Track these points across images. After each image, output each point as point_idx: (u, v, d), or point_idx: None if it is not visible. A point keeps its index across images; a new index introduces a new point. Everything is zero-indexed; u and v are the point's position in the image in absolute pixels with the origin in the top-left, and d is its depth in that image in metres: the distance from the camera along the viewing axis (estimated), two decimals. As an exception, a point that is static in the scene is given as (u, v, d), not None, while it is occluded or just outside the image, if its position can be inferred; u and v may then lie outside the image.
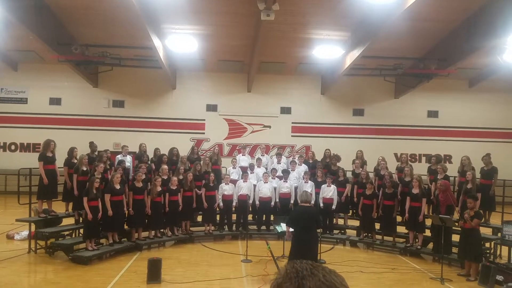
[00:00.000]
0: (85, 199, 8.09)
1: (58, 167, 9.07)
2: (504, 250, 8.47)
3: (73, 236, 9.25)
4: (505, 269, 7.29)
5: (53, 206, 9.20)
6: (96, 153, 10.17)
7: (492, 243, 8.79)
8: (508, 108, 18.37)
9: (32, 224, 8.64)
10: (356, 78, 16.95)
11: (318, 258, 7.86)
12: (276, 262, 8.21)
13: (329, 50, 13.61)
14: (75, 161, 9.15)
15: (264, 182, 10.51)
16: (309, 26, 12.75)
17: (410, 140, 18.16)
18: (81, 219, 9.00)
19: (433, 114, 18.55)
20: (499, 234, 8.57)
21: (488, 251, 8.74)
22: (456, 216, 8.73)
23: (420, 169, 11.99)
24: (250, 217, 10.83)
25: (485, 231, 8.82)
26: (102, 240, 8.88)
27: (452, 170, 10.69)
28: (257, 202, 10.51)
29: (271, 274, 7.41)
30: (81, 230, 8.94)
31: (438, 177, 9.38)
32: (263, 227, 10.76)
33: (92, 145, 10.38)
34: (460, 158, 9.87)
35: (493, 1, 10.60)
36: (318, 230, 8.77)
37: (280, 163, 11.58)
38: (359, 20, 12.08)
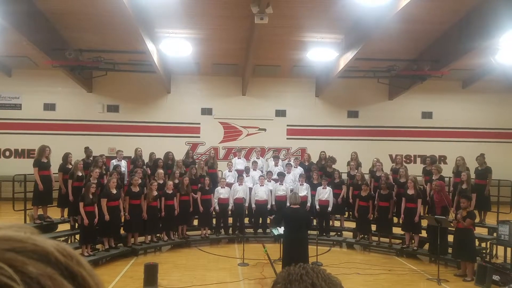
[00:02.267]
0: (81, 205, 8.05)
1: (53, 173, 9.03)
2: (500, 250, 8.52)
3: (69, 242, 9.19)
4: (501, 269, 7.33)
5: (48, 212, 9.14)
6: (91, 158, 10.13)
7: (488, 243, 8.84)
8: (502, 109, 18.51)
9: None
10: (350, 80, 17.01)
11: (316, 260, 7.87)
12: (273, 265, 8.20)
13: (323, 52, 13.67)
14: (70, 166, 9.12)
15: (260, 185, 10.51)
16: (303, 29, 12.80)
17: (404, 141, 18.24)
18: (76, 224, 8.95)
19: (427, 115, 18.65)
20: (495, 234, 8.62)
21: (484, 251, 8.78)
22: (451, 216, 8.78)
23: (415, 170, 12.04)
24: (246, 220, 10.82)
25: (480, 231, 8.88)
26: (98, 246, 8.83)
27: (447, 170, 10.76)
28: (253, 205, 10.51)
29: (268, 278, 7.40)
30: (77, 236, 8.89)
31: (433, 177, 9.44)
32: (260, 230, 10.75)
33: (87, 150, 10.35)
34: (455, 159, 9.95)
35: (485, 2, 10.69)
36: (314, 232, 8.79)
37: (277, 166, 11.59)
38: (353, 22, 12.15)
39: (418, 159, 17.41)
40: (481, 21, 10.98)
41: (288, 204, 10.31)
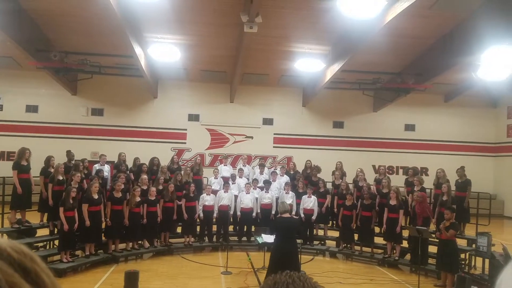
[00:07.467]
0: (61, 209, 7.88)
1: (34, 176, 8.83)
2: (479, 261, 8.69)
3: (48, 247, 8.97)
4: (480, 280, 7.46)
5: (27, 217, 8.91)
6: (73, 162, 9.95)
7: (467, 254, 9.00)
8: (482, 123, 19.02)
9: (5, 234, 8.33)
10: (337, 91, 17.25)
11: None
12: (256, 274, 8.17)
13: (310, 63, 13.83)
14: (52, 170, 8.92)
15: (246, 193, 10.48)
16: (292, 39, 12.95)
17: (388, 152, 18.52)
18: (56, 230, 8.75)
19: (410, 127, 19.02)
20: (474, 246, 8.78)
21: (463, 262, 8.94)
22: (432, 227, 8.92)
23: (398, 181, 12.21)
24: (230, 228, 10.77)
25: (460, 242, 9.02)
26: (78, 252, 8.64)
27: (429, 182, 10.95)
28: (238, 213, 10.47)
29: (251, 286, 7.36)
30: (56, 242, 8.68)
31: (415, 189, 9.60)
32: (244, 238, 10.70)
33: (69, 154, 10.16)
34: (436, 171, 10.14)
35: (468, 19, 11.04)
36: (298, 240, 8.78)
37: (262, 174, 11.60)
38: (340, 35, 12.35)
39: (401, 170, 17.68)
40: (464, 38, 11.32)
41: (275, 213, 10.32)
